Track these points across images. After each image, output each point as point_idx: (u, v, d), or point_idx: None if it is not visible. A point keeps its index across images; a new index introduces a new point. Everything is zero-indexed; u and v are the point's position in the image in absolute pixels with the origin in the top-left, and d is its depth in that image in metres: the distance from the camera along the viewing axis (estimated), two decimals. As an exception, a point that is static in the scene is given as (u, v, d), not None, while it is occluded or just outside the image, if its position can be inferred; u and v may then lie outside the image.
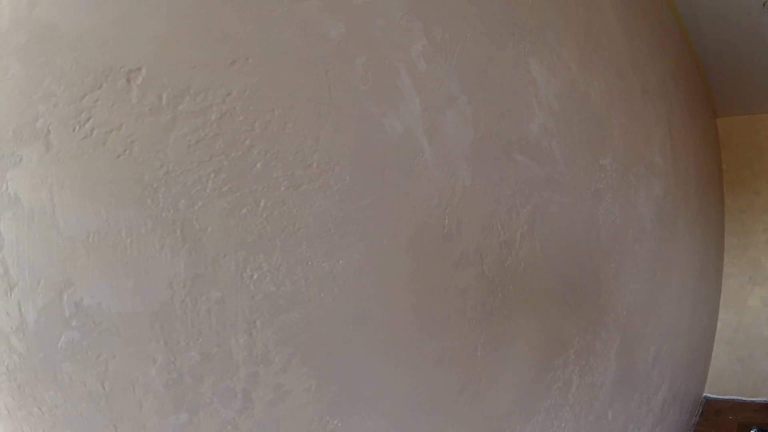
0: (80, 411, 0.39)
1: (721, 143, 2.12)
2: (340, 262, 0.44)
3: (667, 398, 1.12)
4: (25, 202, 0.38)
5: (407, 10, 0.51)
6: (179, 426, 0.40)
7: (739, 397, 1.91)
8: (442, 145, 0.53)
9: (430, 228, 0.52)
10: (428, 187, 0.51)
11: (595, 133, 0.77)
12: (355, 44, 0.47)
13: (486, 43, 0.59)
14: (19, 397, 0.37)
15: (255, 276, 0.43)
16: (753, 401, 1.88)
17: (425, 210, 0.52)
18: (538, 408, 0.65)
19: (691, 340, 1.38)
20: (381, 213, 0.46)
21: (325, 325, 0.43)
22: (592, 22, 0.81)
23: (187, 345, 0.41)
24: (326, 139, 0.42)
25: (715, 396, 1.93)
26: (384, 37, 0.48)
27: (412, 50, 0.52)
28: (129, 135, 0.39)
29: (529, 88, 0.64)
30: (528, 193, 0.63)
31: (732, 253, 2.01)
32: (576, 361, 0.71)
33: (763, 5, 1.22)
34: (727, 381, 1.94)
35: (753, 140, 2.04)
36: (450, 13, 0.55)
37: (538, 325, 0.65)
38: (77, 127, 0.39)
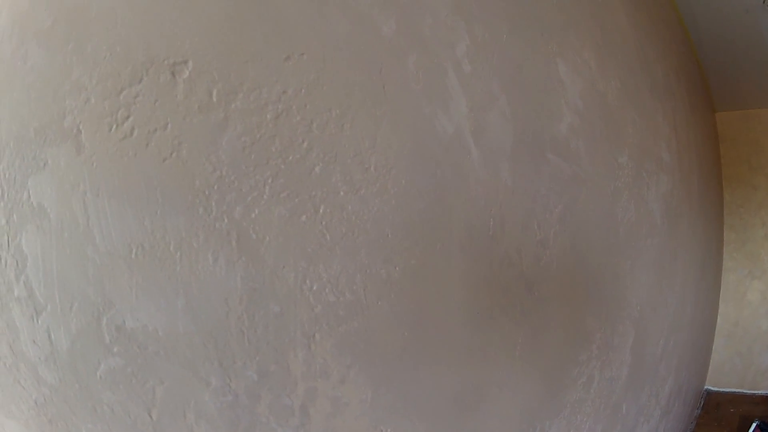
0: (123, 444, 0.35)
1: (719, 138, 2.09)
2: (397, 268, 0.40)
3: (672, 391, 1.19)
4: (53, 213, 0.32)
5: (451, 8, 0.46)
6: (234, 450, 0.37)
7: (740, 390, 1.95)
8: (486, 146, 0.48)
9: (477, 229, 0.48)
10: (476, 188, 0.47)
11: (613, 131, 0.80)
12: (406, 41, 0.42)
13: (520, 43, 0.59)
14: (51, 432, 0.33)
15: (314, 287, 0.39)
16: (753, 394, 1.92)
17: (474, 211, 0.48)
18: (565, 402, 0.68)
19: (693, 334, 1.48)
20: (435, 216, 0.43)
21: (383, 333, 0.40)
22: (606, 21, 0.83)
23: (244, 364, 0.37)
24: (383, 141, 0.39)
25: (715, 389, 1.98)
26: (432, 35, 0.44)
27: (457, 49, 0.50)
28: (176, 136, 0.34)
29: (558, 87, 0.65)
30: (560, 192, 0.64)
31: (731, 248, 2.04)
32: (598, 356, 0.75)
33: (763, 2, 1.30)
34: (727, 374, 1.98)
35: (750, 136, 2.03)
36: (487, 12, 0.54)
37: (567, 322, 0.67)
38: (114, 126, 0.34)
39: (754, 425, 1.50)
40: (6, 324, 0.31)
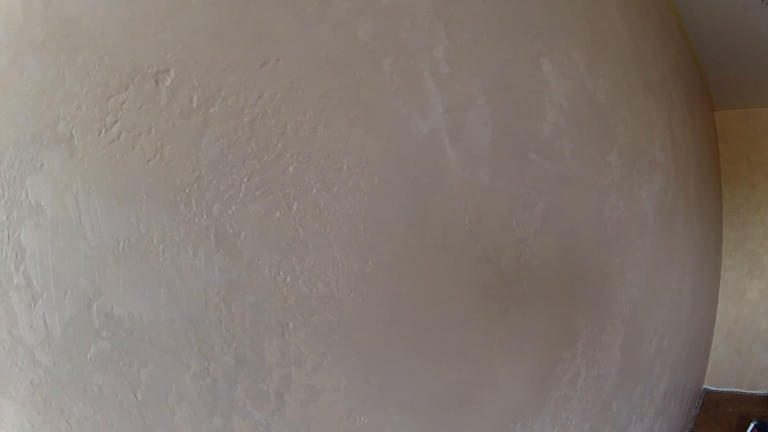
0: (111, 422, 0.38)
1: (718, 137, 2.09)
2: (369, 262, 0.43)
3: (668, 390, 1.20)
4: (48, 210, 0.36)
5: (430, 11, 0.49)
6: (213, 431, 0.41)
7: (738, 390, 1.94)
8: (463, 146, 0.52)
9: (453, 227, 0.52)
10: (451, 186, 0.50)
11: (601, 130, 0.81)
12: (382, 45, 0.45)
13: (502, 44, 0.61)
14: (45, 411, 0.36)
15: (288, 279, 0.43)
16: (752, 394, 1.92)
17: (449, 209, 0.52)
18: (549, 399, 0.69)
19: (690, 333, 1.48)
20: (408, 213, 0.46)
21: (357, 325, 0.43)
22: (597, 21, 0.84)
23: (222, 350, 0.41)
24: (356, 142, 0.42)
25: (714, 388, 1.98)
26: (409, 38, 0.46)
27: (435, 51, 0.53)
28: (159, 139, 0.38)
29: (541, 88, 0.67)
30: (541, 191, 0.66)
31: (730, 246, 2.04)
32: (584, 353, 0.76)
33: (762, 0, 1.29)
34: (726, 373, 1.98)
35: (749, 134, 2.03)
36: (468, 13, 0.56)
37: (550, 319, 0.69)
38: (103, 131, 0.38)
39: (752, 425, 1.48)
40: (5, 311, 0.35)
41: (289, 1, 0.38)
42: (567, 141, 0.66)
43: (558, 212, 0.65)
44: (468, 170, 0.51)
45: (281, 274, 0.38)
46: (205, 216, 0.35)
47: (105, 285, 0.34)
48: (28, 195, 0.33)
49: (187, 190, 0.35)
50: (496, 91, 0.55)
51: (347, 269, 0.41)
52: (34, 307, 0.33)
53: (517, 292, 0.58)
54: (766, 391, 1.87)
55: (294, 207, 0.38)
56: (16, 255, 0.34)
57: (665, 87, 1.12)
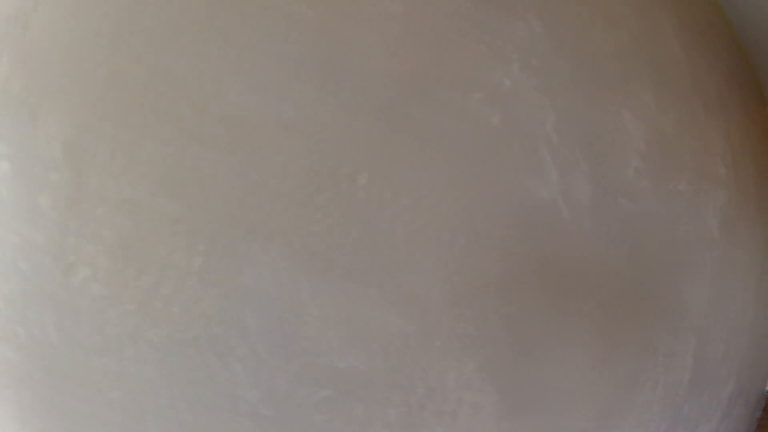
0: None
1: None
2: (513, 307, 0.60)
3: (733, 393, 1.32)
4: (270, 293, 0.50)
5: (537, 86, 0.60)
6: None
7: None
8: (572, 204, 0.65)
9: (568, 274, 0.65)
10: (566, 241, 0.62)
11: (673, 162, 0.91)
12: (509, 128, 0.60)
13: (592, 105, 0.71)
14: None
15: (460, 326, 0.57)
16: None
17: (566, 260, 0.64)
18: (635, 403, 0.82)
19: (754, 337, 1.57)
20: (537, 268, 0.57)
21: (509, 362, 0.55)
22: (659, 54, 0.93)
23: (416, 384, 0.54)
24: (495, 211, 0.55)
25: None
26: (527, 118, 0.57)
27: (547, 125, 0.64)
28: None
29: (624, 137, 0.77)
30: (628, 231, 0.77)
31: None
32: (663, 362, 0.89)
33: None
34: None
35: None
36: (565, 84, 0.67)
37: (637, 335, 0.82)
38: None
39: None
40: (229, 376, 0.47)
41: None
42: (646, 180, 0.76)
43: (640, 246, 0.76)
44: (575, 224, 0.61)
45: (457, 323, 0.50)
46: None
47: (328, 346, 0.47)
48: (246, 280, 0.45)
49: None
50: (590, 150, 0.65)
51: (497, 313, 0.53)
52: (259, 371, 0.46)
53: (614, 317, 0.69)
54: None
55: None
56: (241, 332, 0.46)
57: (721, 100, 1.19)
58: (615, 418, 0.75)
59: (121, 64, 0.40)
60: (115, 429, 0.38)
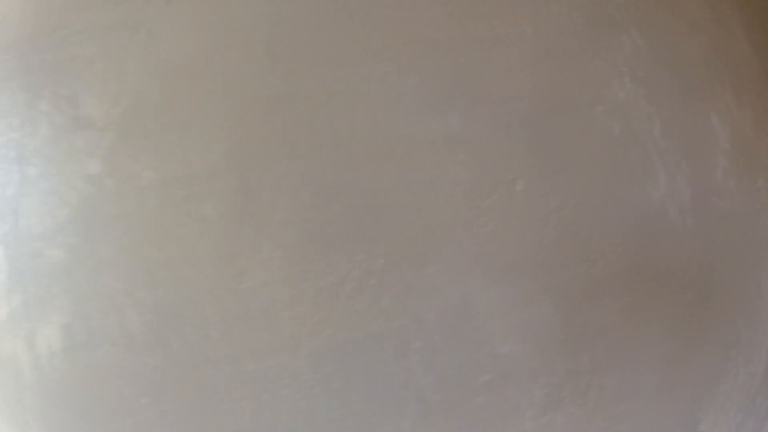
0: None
1: None
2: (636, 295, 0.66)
3: None
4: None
5: (644, 96, 0.66)
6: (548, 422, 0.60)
7: None
8: (675, 204, 0.70)
9: (671, 273, 0.71)
10: (672, 240, 0.69)
11: (752, 160, 0.95)
12: (627, 138, 0.65)
13: (689, 110, 0.76)
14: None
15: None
16: None
17: (672, 259, 0.71)
18: (720, 391, 0.88)
19: None
20: (649, 264, 0.64)
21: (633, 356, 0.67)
22: (735, 56, 0.97)
23: (558, 366, 0.60)
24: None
25: None
26: (640, 127, 0.63)
27: (654, 131, 0.69)
28: None
29: (713, 140, 0.82)
30: (719, 229, 0.82)
31: None
32: (743, 353, 0.94)
33: None
34: None
35: None
36: (666, 91, 0.72)
37: (724, 326, 0.87)
38: None
39: None
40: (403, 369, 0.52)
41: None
42: (732, 180, 0.81)
43: (729, 242, 0.80)
44: (680, 224, 0.67)
45: (590, 314, 0.56)
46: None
47: (492, 335, 0.53)
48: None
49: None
50: (689, 154, 0.70)
51: (620, 303, 0.59)
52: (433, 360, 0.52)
53: (707, 308, 0.75)
54: None
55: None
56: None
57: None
58: (705, 403, 0.81)
59: (276, 81, 0.45)
60: (284, 427, 0.43)
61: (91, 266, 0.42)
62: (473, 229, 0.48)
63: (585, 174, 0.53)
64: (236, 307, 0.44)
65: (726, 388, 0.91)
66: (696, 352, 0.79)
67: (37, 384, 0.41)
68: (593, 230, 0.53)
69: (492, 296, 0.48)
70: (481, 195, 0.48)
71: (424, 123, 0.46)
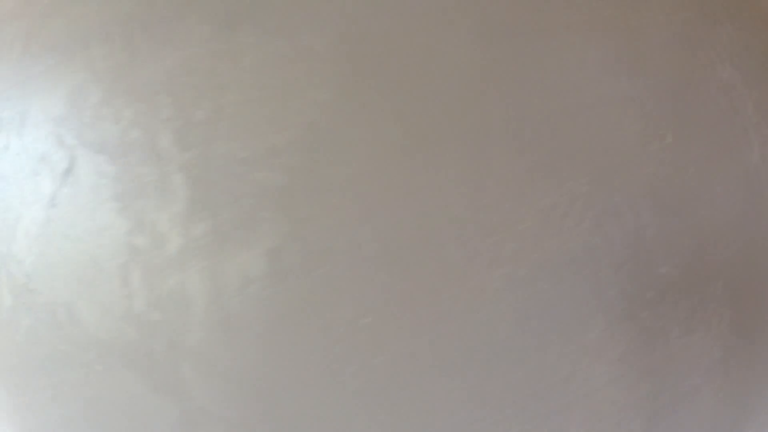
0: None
1: None
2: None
3: None
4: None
5: (743, 82, 0.82)
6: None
7: None
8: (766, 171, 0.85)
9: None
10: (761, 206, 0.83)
11: None
12: (733, 113, 0.80)
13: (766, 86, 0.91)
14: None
15: None
16: None
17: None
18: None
19: None
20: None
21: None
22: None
23: None
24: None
25: None
26: (740, 105, 0.79)
27: (749, 109, 0.83)
28: None
29: None
30: None
31: None
32: None
33: None
34: None
35: None
36: (751, 71, 0.87)
37: None
38: None
39: None
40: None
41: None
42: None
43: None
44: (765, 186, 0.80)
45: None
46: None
47: (659, 258, 0.63)
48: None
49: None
50: None
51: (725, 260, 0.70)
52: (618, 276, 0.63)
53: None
54: None
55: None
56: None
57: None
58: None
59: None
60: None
61: (315, 187, 0.44)
62: (646, 167, 0.60)
63: (709, 136, 0.66)
64: (473, 223, 0.48)
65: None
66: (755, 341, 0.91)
67: (210, 321, 0.42)
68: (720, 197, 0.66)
69: (661, 224, 0.59)
70: (646, 142, 0.59)
71: (604, 84, 0.58)
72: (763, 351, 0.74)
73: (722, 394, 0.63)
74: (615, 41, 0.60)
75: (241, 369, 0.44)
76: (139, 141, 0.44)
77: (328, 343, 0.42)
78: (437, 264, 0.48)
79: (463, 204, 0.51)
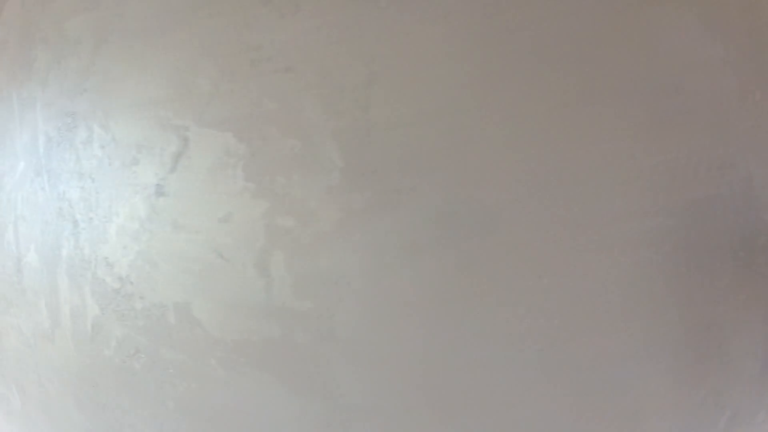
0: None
1: None
2: None
3: None
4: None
5: None
6: None
7: None
8: None
9: None
10: None
11: None
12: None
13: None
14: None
15: None
16: None
17: None
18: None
19: None
20: None
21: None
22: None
23: None
24: None
25: None
26: None
27: None
28: None
29: None
30: None
31: None
32: None
33: None
34: None
35: None
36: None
37: None
38: None
39: None
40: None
41: None
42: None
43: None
44: None
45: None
46: None
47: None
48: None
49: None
50: None
51: None
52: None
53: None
54: None
55: None
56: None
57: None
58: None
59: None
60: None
61: (476, 146, 0.43)
62: (746, 121, 0.63)
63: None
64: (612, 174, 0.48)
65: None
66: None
67: (368, 302, 0.38)
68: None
69: (763, 174, 0.63)
70: (742, 99, 0.63)
71: (707, 48, 0.61)
72: None
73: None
74: (708, 10, 0.64)
75: (402, 356, 0.38)
76: (280, 112, 0.38)
77: (508, 315, 0.37)
78: (597, 215, 0.48)
79: (604, 157, 0.52)
